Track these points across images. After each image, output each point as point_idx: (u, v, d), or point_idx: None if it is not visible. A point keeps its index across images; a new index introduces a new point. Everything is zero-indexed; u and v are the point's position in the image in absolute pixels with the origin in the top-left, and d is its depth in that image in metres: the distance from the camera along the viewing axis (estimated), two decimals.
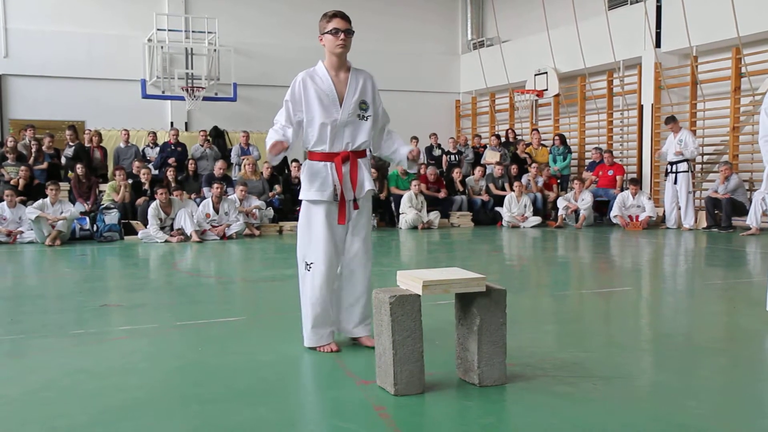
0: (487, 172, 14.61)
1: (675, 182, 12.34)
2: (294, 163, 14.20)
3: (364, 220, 4.05)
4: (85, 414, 2.98)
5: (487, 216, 13.91)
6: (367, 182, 3.98)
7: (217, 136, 15.68)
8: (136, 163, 13.05)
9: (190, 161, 13.60)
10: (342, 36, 3.86)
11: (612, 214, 12.83)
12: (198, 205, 11.46)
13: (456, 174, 14.39)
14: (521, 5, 17.66)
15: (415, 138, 15.36)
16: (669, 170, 12.51)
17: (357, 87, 3.94)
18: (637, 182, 13.17)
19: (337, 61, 3.92)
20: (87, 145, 14.01)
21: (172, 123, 16.33)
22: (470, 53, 19.14)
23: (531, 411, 2.97)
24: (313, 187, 3.92)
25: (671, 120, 12.45)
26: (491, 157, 14.88)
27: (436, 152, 15.54)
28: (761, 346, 4.14)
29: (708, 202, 12.06)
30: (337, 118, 3.89)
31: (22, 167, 12.10)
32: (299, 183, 13.97)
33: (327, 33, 3.88)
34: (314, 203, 3.95)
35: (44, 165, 12.82)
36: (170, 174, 12.46)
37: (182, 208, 10.99)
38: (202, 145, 14.42)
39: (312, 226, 3.98)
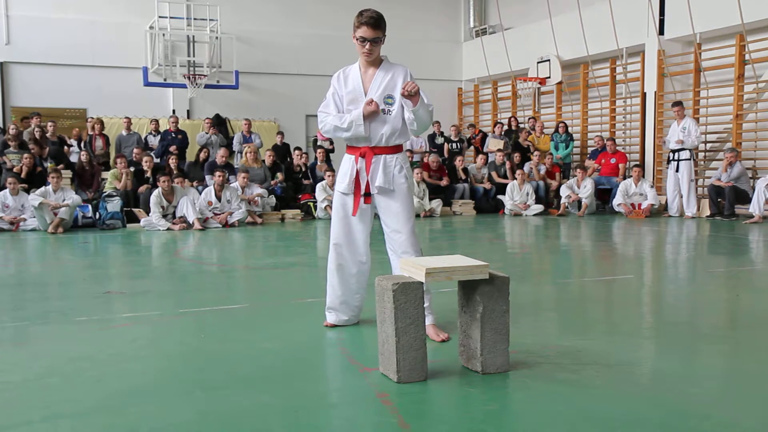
0: (490, 160, 14.59)
1: (677, 170, 12.32)
2: (297, 151, 14.21)
3: (391, 216, 4.00)
4: (89, 400, 2.98)
5: (489, 204, 13.89)
6: (379, 179, 3.96)
7: (219, 124, 15.67)
8: (135, 151, 13.00)
9: (204, 150, 13.56)
10: (368, 46, 3.90)
11: (615, 202, 12.80)
12: (200, 193, 11.46)
13: (458, 162, 14.37)
14: None
15: None
16: (671, 158, 12.49)
17: (382, 83, 3.96)
18: (640, 166, 13.14)
19: (365, 60, 4.00)
20: (90, 133, 14.02)
21: (174, 111, 16.31)
22: (472, 41, 19.08)
23: (534, 398, 2.97)
24: (339, 178, 4.13)
25: (678, 104, 12.44)
26: (494, 145, 14.86)
27: (439, 140, 15.51)
28: (764, 333, 4.14)
29: (711, 190, 12.03)
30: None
31: (26, 155, 12.06)
32: (301, 171, 13.92)
33: (355, 38, 3.93)
34: (338, 193, 4.13)
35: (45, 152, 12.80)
36: (172, 162, 12.46)
37: (184, 196, 10.99)
38: (207, 132, 14.41)
39: (333, 214, 4.18)
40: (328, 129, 4.05)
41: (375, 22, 3.88)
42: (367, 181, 3.99)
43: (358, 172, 4.01)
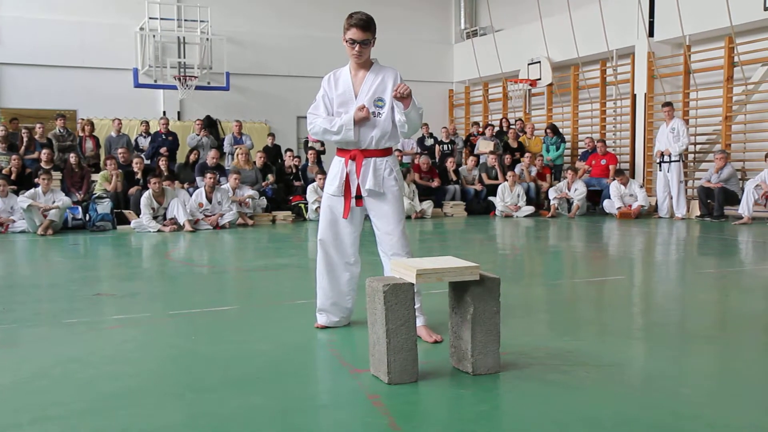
0: (480, 161, 14.61)
1: (668, 171, 12.37)
2: (288, 153, 14.19)
3: (382, 218, 4.01)
4: (79, 402, 2.97)
5: (480, 205, 13.91)
6: (369, 182, 3.96)
7: (210, 125, 15.63)
8: (120, 150, 12.87)
9: (194, 152, 13.52)
10: (357, 48, 3.91)
11: (615, 205, 12.68)
12: (191, 195, 11.43)
13: (449, 163, 14.39)
14: None
15: None
16: (660, 160, 12.53)
17: (372, 85, 3.97)
18: (622, 173, 13.14)
19: (355, 63, 4.00)
20: (80, 134, 13.99)
21: (164, 112, 16.26)
22: (463, 42, 19.10)
23: (524, 399, 2.98)
24: (328, 181, 4.12)
25: (668, 104, 12.49)
26: (484, 146, 14.88)
27: (428, 142, 15.52)
28: (753, 334, 4.16)
29: (701, 192, 12.09)
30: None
31: (14, 156, 12.01)
32: (292, 172, 13.86)
33: (345, 40, 3.93)
34: (327, 195, 4.13)
35: (35, 155, 12.74)
36: (162, 163, 12.43)
37: (175, 198, 10.96)
38: (198, 134, 14.37)
39: (321, 216, 4.19)
40: (317, 131, 4.05)
41: (365, 24, 3.89)
42: (358, 184, 4.00)
43: (348, 175, 4.01)
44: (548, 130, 14.99)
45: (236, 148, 13.52)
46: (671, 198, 12.41)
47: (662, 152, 12.40)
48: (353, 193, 4.01)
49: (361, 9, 4.03)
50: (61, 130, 13.49)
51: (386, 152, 4.04)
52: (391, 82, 3.95)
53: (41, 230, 10.24)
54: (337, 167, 4.08)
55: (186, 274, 6.96)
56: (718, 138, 13.01)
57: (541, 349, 3.72)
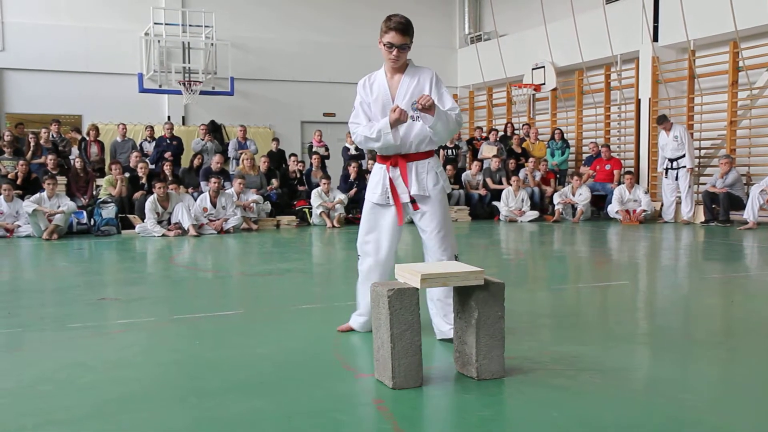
0: (485, 166, 14.61)
1: (676, 179, 12.41)
2: (292, 158, 14.20)
3: (427, 221, 3.93)
4: (83, 407, 2.97)
5: (484, 210, 13.90)
6: (413, 187, 3.89)
7: (215, 130, 15.65)
8: (134, 154, 13.02)
9: (199, 157, 13.56)
10: (395, 52, 3.83)
11: (612, 209, 12.75)
12: (195, 200, 11.45)
13: (449, 170, 14.37)
14: None
15: None
16: (669, 167, 12.52)
17: (408, 89, 3.89)
18: (632, 173, 13.17)
19: (391, 66, 3.93)
20: (82, 139, 14.05)
21: (169, 117, 16.30)
22: (467, 47, 19.12)
23: (529, 404, 2.97)
24: (370, 188, 4.03)
25: (663, 120, 12.46)
26: (488, 151, 14.87)
27: None
28: (758, 340, 4.14)
29: (705, 197, 12.07)
30: None
31: (21, 161, 12.06)
32: (296, 177, 13.82)
33: (382, 44, 3.86)
34: (369, 203, 4.04)
35: (42, 159, 12.78)
36: (167, 168, 12.45)
37: (179, 203, 10.98)
38: (202, 139, 14.40)
39: (362, 223, 4.09)
40: (360, 140, 3.95)
41: (404, 27, 3.81)
42: (407, 189, 3.91)
43: (392, 181, 3.92)
44: (556, 135, 14.99)
45: (240, 153, 13.54)
46: (679, 203, 12.44)
47: (669, 159, 12.43)
48: (402, 199, 3.91)
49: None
50: (54, 136, 13.53)
51: (427, 155, 3.96)
52: (428, 84, 3.88)
53: (46, 235, 10.26)
54: (378, 174, 3.99)
55: (190, 278, 6.97)
56: (723, 143, 13.00)
57: (545, 354, 3.72)
